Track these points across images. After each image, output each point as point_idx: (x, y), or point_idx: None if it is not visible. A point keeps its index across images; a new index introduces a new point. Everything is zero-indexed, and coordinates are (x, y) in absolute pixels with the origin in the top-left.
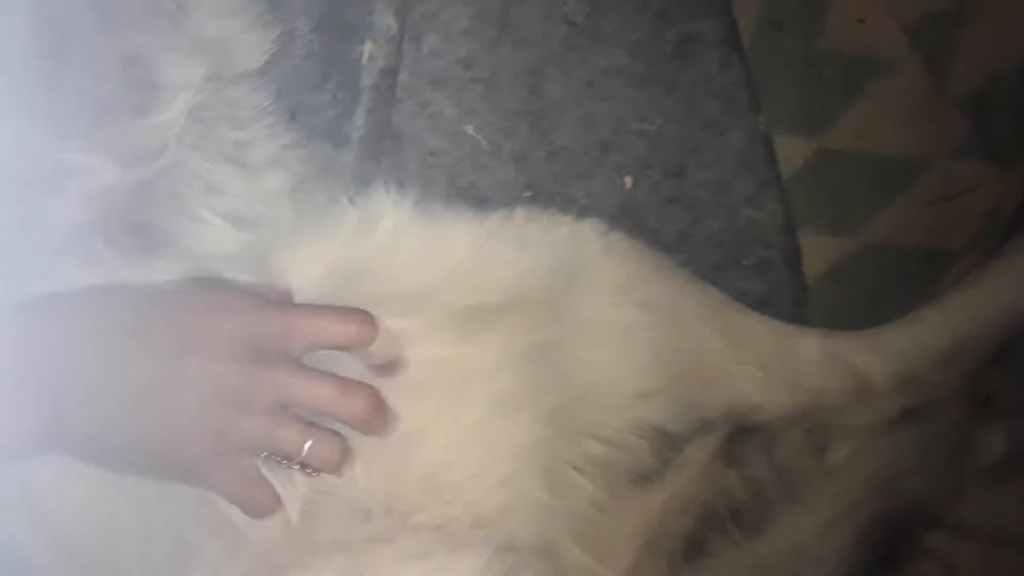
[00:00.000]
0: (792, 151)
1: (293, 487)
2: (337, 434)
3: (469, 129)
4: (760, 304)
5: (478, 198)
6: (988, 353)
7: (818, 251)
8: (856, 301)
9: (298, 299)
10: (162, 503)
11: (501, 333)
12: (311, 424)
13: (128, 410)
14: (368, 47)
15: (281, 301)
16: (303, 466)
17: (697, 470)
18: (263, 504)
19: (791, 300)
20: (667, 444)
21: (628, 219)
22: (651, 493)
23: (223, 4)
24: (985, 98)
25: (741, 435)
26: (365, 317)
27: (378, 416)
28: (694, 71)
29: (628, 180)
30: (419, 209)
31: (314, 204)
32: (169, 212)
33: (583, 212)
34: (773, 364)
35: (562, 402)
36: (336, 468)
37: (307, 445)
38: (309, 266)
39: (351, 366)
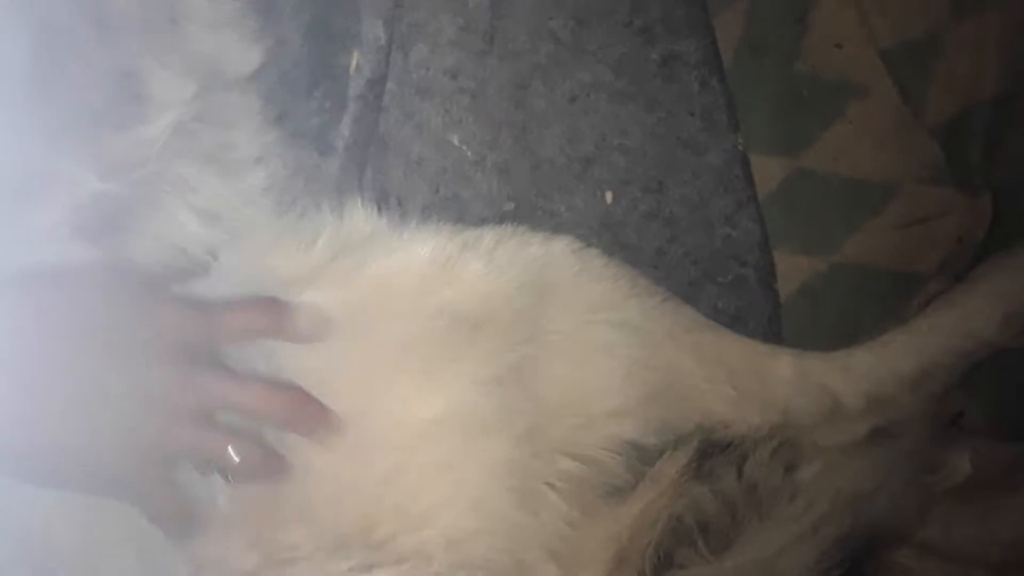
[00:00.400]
0: (769, 171)
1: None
2: (260, 442)
3: (454, 139)
4: (735, 321)
5: (460, 208)
6: (955, 376)
7: (791, 270)
8: (828, 320)
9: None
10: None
11: (473, 355)
12: (234, 432)
13: (74, 418)
14: (356, 57)
15: (199, 299)
16: (225, 473)
17: (667, 484)
18: (180, 525)
19: (765, 318)
20: (639, 458)
21: (608, 233)
22: (623, 506)
23: (216, 16)
24: (958, 126)
25: (712, 450)
26: (276, 303)
27: (307, 414)
28: (675, 89)
29: (609, 195)
30: (392, 224)
31: (293, 211)
32: (149, 215)
33: (564, 225)
34: (746, 383)
35: (536, 421)
36: (257, 476)
37: (229, 451)
38: (284, 276)
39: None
